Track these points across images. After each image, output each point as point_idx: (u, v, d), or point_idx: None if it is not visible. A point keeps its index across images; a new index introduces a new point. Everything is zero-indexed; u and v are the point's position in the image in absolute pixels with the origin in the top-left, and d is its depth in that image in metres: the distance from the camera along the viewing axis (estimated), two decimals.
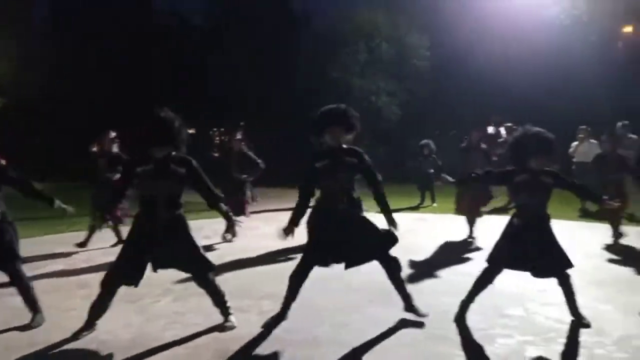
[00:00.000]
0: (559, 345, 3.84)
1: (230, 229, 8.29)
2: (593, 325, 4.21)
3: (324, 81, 21.14)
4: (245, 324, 4.38)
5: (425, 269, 6.22)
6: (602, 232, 8.40)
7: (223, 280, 5.77)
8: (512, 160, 4.38)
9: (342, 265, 6.48)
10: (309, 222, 4.39)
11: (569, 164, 11.14)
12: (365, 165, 4.36)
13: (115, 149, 7.79)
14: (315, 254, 4.35)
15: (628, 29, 22.53)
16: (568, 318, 4.35)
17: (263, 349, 3.89)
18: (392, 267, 4.41)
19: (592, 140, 10.99)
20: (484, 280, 4.43)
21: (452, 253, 7.22)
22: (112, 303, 4.27)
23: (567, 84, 20.63)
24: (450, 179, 5.08)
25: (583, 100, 19.80)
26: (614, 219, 7.68)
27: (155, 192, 4.16)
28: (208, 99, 22.14)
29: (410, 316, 4.45)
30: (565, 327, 4.19)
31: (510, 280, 5.55)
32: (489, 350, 3.78)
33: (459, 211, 8.30)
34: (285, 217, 4.45)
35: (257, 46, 22.15)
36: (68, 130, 20.46)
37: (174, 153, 4.23)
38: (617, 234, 7.67)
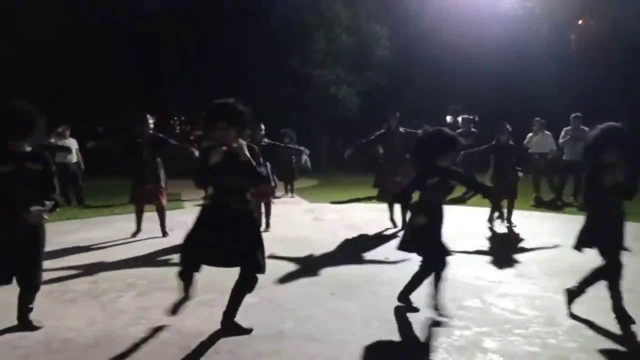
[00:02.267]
0: (514, 336, 4.00)
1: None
2: (546, 315, 4.41)
3: (283, 71, 21.06)
4: (210, 319, 4.40)
5: (386, 261, 6.36)
6: (556, 222, 8.74)
7: None
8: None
9: (304, 258, 6.58)
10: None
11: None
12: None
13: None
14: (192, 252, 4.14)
15: (580, 21, 23.25)
16: (522, 309, 4.55)
17: (228, 344, 3.92)
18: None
19: (546, 132, 11.34)
20: None
21: None
22: None
23: (522, 74, 21.22)
24: None
25: (537, 91, 20.42)
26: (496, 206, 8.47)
27: (14, 194, 3.93)
28: (164, 89, 21.65)
29: (373, 310, 4.56)
30: (520, 318, 4.37)
31: (469, 272, 5.76)
32: (447, 342, 3.91)
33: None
34: None
35: (214, 35, 21.77)
36: None
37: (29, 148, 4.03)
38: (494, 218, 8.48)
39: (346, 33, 22.28)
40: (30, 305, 4.26)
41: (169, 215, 8.49)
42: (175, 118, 22.55)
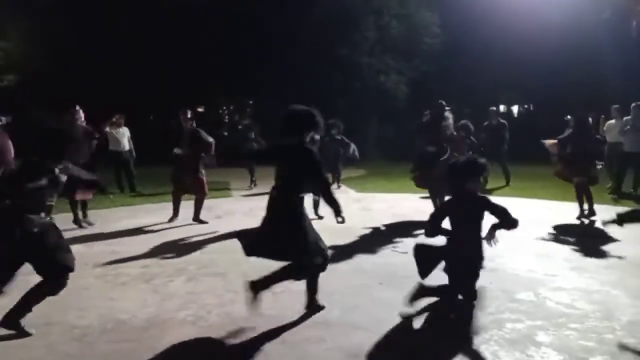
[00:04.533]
0: (568, 331, 3.86)
1: None
2: (603, 309, 4.24)
3: (331, 59, 20.89)
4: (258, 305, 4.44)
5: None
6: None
7: (237, 262, 5.85)
8: None
9: (350, 247, 6.57)
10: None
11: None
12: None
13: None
14: None
15: None
16: (578, 303, 4.38)
17: (276, 330, 3.94)
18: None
19: (627, 117, 10.83)
20: None
21: None
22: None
23: (579, 61, 20.37)
24: None
25: (597, 80, 19.57)
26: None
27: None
28: (213, 80, 21.82)
29: (421, 300, 4.49)
30: (575, 313, 4.21)
31: (521, 265, 5.60)
32: (498, 334, 3.81)
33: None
34: None
35: (261, 21, 21.72)
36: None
37: None
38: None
39: (396, 20, 21.95)
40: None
41: (217, 203, 8.63)
42: (225, 107, 22.75)
